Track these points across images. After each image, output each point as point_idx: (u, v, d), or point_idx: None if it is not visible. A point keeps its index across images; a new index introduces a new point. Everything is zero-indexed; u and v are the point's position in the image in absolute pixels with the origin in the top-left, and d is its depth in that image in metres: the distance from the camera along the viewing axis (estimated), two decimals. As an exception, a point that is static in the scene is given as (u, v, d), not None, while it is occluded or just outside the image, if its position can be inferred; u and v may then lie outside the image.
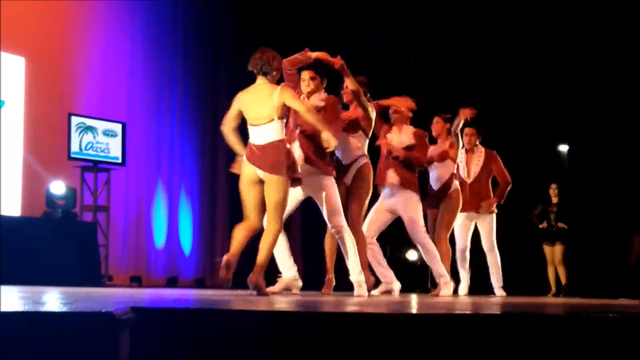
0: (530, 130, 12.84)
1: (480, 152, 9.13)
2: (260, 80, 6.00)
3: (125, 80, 11.97)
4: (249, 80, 6.04)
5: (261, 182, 5.92)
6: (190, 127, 12.68)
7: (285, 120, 6.00)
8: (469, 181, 9.04)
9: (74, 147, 10.54)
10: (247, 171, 5.95)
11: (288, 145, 6.05)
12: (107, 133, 10.89)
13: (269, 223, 5.96)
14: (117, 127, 11.04)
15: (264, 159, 5.85)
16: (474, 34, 12.74)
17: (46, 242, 9.46)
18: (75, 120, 10.58)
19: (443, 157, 8.36)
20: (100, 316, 2.52)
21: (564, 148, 14.13)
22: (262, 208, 6.01)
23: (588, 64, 12.51)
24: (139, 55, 12.20)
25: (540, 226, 12.18)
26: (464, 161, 9.11)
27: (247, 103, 5.97)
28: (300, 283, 7.10)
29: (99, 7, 11.74)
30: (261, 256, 5.89)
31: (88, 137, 10.67)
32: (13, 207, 10.31)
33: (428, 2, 12.61)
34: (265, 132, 5.88)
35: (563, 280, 12.17)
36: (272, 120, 5.87)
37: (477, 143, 9.14)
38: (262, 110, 5.89)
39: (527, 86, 12.68)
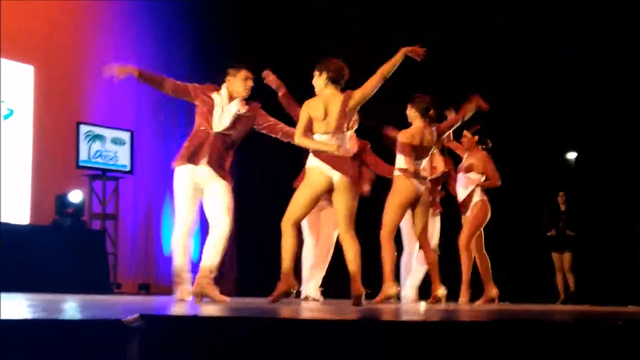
0: (537, 138, 12.82)
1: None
2: (333, 89, 6.03)
3: (133, 88, 11.98)
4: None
5: (329, 190, 5.96)
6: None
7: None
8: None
9: (83, 156, 10.56)
10: (321, 178, 5.96)
11: None
12: (115, 141, 10.91)
13: (349, 232, 5.98)
14: (126, 135, 11.06)
15: (348, 165, 5.93)
16: (481, 40, 12.72)
17: (55, 250, 9.48)
18: (83, 128, 10.61)
19: (471, 168, 8.39)
20: (109, 323, 2.53)
21: (571, 155, 14.12)
22: None
23: (596, 71, 12.49)
24: (147, 64, 12.20)
25: (549, 234, 12.17)
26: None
27: (320, 110, 5.99)
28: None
29: (107, 16, 11.77)
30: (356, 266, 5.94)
31: (96, 146, 10.69)
32: (22, 215, 10.33)
33: (434, 7, 12.59)
34: (347, 140, 6.00)
35: (572, 287, 12.16)
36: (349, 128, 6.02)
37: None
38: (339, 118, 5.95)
39: (534, 94, 12.66)
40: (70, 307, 4.10)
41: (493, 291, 8.22)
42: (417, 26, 11.75)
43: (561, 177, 13.46)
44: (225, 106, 6.30)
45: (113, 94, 11.64)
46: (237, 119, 6.27)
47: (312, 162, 6.00)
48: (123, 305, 4.66)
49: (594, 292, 11.95)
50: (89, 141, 10.62)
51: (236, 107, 6.28)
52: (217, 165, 6.23)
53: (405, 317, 3.73)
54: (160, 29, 12.45)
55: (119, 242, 11.01)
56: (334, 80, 6.02)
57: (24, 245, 9.15)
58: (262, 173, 11.81)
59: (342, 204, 5.94)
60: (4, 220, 9.49)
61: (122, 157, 10.96)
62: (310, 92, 6.17)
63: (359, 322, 3.19)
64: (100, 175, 10.81)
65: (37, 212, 10.49)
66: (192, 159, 6.27)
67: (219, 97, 6.34)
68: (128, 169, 11.06)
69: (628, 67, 12.45)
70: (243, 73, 6.28)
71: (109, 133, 10.87)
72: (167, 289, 11.95)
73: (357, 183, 6.04)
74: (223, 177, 6.26)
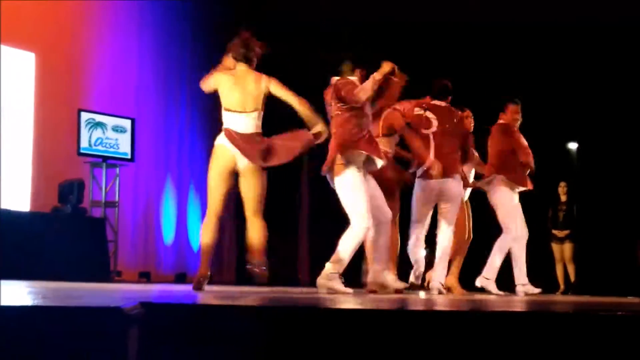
0: (539, 128, 12.81)
1: None
2: (242, 67, 5.95)
3: (134, 76, 11.99)
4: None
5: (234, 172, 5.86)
6: (200, 123, 12.69)
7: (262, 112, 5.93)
8: None
9: (84, 143, 10.56)
10: (225, 158, 5.86)
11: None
12: (116, 129, 10.91)
13: (256, 215, 5.91)
14: (127, 123, 11.06)
15: (255, 150, 5.79)
16: (483, 32, 12.71)
17: (55, 238, 9.49)
18: (84, 116, 10.61)
19: None
20: (109, 311, 2.53)
21: (573, 146, 14.11)
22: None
23: (596, 60, 12.48)
24: (148, 51, 12.21)
25: (555, 232, 12.19)
26: None
27: (228, 86, 5.92)
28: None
29: (109, 3, 11.76)
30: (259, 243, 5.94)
31: (97, 133, 10.69)
32: (23, 202, 10.33)
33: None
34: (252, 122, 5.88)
35: (572, 278, 12.17)
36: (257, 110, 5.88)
37: None
38: (247, 98, 5.86)
39: (536, 84, 12.65)
40: (70, 294, 4.10)
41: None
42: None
43: (562, 167, 13.46)
44: None
45: (114, 82, 11.64)
46: None
47: (220, 139, 5.96)
48: (123, 293, 4.66)
49: (594, 283, 11.95)
50: (90, 129, 10.62)
51: None
52: None
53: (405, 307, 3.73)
54: (164, 14, 12.42)
55: (120, 230, 11.02)
56: (238, 59, 5.97)
57: (24, 232, 9.15)
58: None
59: (251, 189, 5.85)
60: (4, 207, 9.49)
61: (123, 145, 10.96)
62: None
63: (365, 312, 3.19)
64: (101, 162, 10.81)
65: (38, 199, 10.49)
66: None
67: None
68: (129, 156, 11.06)
69: (627, 57, 12.44)
70: None
71: (110, 120, 10.87)
72: (168, 278, 12.01)
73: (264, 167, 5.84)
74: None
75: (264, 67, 6.08)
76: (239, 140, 5.78)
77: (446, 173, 7.25)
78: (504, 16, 12.54)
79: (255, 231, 5.94)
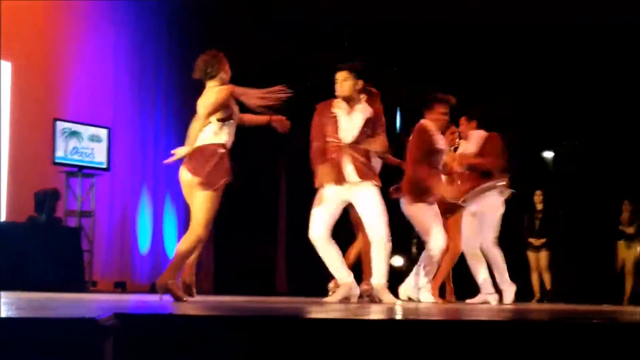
0: (515, 137, 12.86)
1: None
2: (211, 84, 5.96)
3: (110, 85, 11.94)
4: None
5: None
6: (176, 132, 12.65)
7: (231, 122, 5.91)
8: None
9: (59, 152, 10.50)
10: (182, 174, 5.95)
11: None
12: (92, 138, 10.86)
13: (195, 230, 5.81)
14: (102, 132, 11.01)
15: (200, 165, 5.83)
16: (459, 38, 12.74)
17: (30, 247, 9.42)
18: (60, 125, 10.55)
19: None
20: (83, 322, 2.51)
21: (549, 154, 14.18)
22: None
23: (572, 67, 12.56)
24: (124, 61, 12.17)
25: (531, 240, 12.25)
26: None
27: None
28: (357, 291, 6.94)
29: (85, 13, 11.69)
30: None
31: (73, 142, 10.63)
32: (-3, 213, 10.25)
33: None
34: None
35: (548, 285, 12.23)
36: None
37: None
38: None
39: (511, 91, 12.71)
40: (45, 305, 4.07)
41: None
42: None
43: (538, 175, 13.52)
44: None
45: (90, 91, 11.59)
46: None
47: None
48: (98, 303, 4.63)
49: (569, 291, 12.00)
50: (65, 138, 10.56)
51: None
52: None
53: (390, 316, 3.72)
54: (137, 23, 12.38)
55: (95, 240, 10.96)
56: (202, 78, 6.02)
57: (-1, 243, 9.08)
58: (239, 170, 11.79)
59: (194, 204, 5.81)
60: (-22, 217, 9.41)
61: (99, 154, 10.91)
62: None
63: (335, 321, 3.19)
64: (77, 172, 10.75)
65: (13, 209, 10.41)
66: None
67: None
68: (105, 166, 11.01)
69: (603, 65, 12.52)
70: None
71: (85, 130, 10.82)
72: (143, 287, 11.95)
73: (212, 185, 5.75)
74: None
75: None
76: None
77: None
78: (483, 17, 12.53)
79: None
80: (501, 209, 8.24)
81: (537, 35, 12.56)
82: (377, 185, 6.55)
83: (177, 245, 5.85)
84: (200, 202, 5.72)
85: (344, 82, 6.55)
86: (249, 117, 6.24)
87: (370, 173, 6.55)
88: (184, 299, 5.61)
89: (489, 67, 12.79)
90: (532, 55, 12.79)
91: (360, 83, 6.57)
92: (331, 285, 7.28)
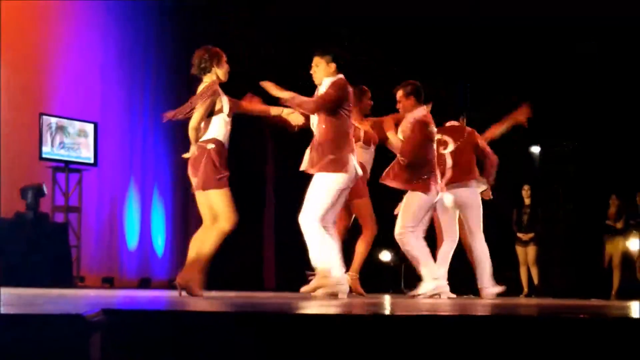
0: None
1: None
2: (206, 79, 5.99)
3: (97, 80, 11.89)
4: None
5: None
6: (163, 127, 12.60)
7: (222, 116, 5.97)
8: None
9: (46, 148, 10.46)
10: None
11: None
12: (79, 133, 10.82)
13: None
14: (89, 127, 10.97)
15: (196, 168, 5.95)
16: (448, 30, 12.71)
17: (18, 244, 9.39)
18: (47, 120, 10.50)
19: None
20: (69, 318, 2.50)
21: (536, 149, 14.21)
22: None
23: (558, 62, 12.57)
24: (112, 56, 12.12)
25: (519, 235, 12.28)
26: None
27: None
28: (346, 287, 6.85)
29: (72, 7, 11.64)
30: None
31: (60, 137, 10.59)
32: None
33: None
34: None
35: (536, 280, 12.25)
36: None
37: None
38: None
39: (498, 87, 12.71)
40: (32, 301, 4.05)
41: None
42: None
43: (526, 171, 13.55)
44: None
45: (77, 86, 11.54)
46: None
47: None
48: (85, 299, 4.62)
49: (557, 286, 12.04)
50: (52, 133, 10.52)
51: None
52: None
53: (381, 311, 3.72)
54: (125, 17, 12.33)
55: (83, 235, 10.93)
56: (198, 73, 6.06)
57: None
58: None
59: (210, 203, 5.96)
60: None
61: (86, 149, 10.87)
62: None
63: (318, 317, 3.18)
64: (64, 167, 10.71)
65: (0, 204, 10.36)
66: None
67: None
68: (92, 161, 10.97)
69: (586, 61, 12.54)
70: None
71: (72, 125, 10.77)
72: (131, 283, 11.93)
73: (208, 185, 5.87)
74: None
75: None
76: None
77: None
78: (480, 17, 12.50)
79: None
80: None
81: (522, 32, 12.55)
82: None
83: (199, 245, 5.96)
84: (213, 201, 5.89)
85: (316, 68, 6.50)
86: (251, 106, 6.24)
87: (322, 163, 6.33)
88: (201, 295, 5.82)
89: (475, 64, 12.79)
90: (518, 52, 12.80)
91: (333, 66, 6.47)
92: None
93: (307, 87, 6.58)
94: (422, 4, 11.80)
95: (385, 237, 7.91)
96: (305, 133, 6.50)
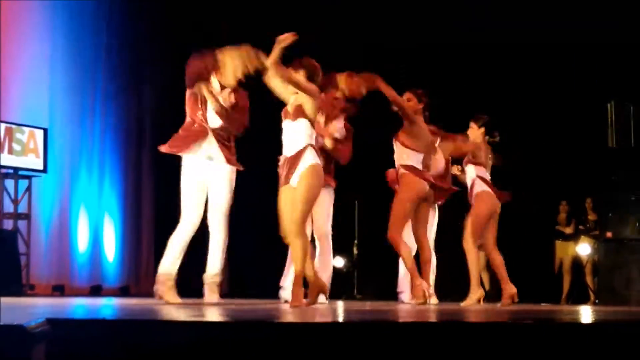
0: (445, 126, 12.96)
1: None
2: None
3: (46, 85, 11.75)
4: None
5: None
6: (114, 133, 12.51)
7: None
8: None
9: (-6, 154, 10.32)
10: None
11: None
12: (28, 139, 10.69)
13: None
14: (39, 133, 10.85)
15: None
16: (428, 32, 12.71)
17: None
18: (-5, 126, 10.37)
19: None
20: (10, 329, 2.45)
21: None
22: None
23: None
24: (61, 62, 11.98)
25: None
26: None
27: None
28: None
29: (20, 11, 11.50)
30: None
31: (8, 144, 10.45)
32: None
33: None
34: None
35: (487, 286, 12.33)
36: None
37: None
38: None
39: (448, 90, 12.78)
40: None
41: (513, 289, 8.30)
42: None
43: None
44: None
45: (26, 91, 11.40)
46: None
47: None
48: (32, 308, 4.56)
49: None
50: (0, 139, 10.38)
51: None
52: None
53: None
54: (74, 21, 12.20)
55: (32, 243, 10.80)
56: None
57: None
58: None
59: None
60: None
61: (35, 156, 10.74)
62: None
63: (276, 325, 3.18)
64: (13, 173, 10.59)
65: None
66: None
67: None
68: (41, 167, 10.84)
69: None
70: None
71: (21, 131, 10.64)
72: (83, 290, 11.78)
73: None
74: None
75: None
76: None
77: None
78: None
79: None
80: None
81: (487, 45, 12.63)
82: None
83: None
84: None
85: None
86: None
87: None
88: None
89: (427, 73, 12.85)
90: (471, 55, 12.89)
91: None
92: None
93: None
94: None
95: (337, 243, 7.93)
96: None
